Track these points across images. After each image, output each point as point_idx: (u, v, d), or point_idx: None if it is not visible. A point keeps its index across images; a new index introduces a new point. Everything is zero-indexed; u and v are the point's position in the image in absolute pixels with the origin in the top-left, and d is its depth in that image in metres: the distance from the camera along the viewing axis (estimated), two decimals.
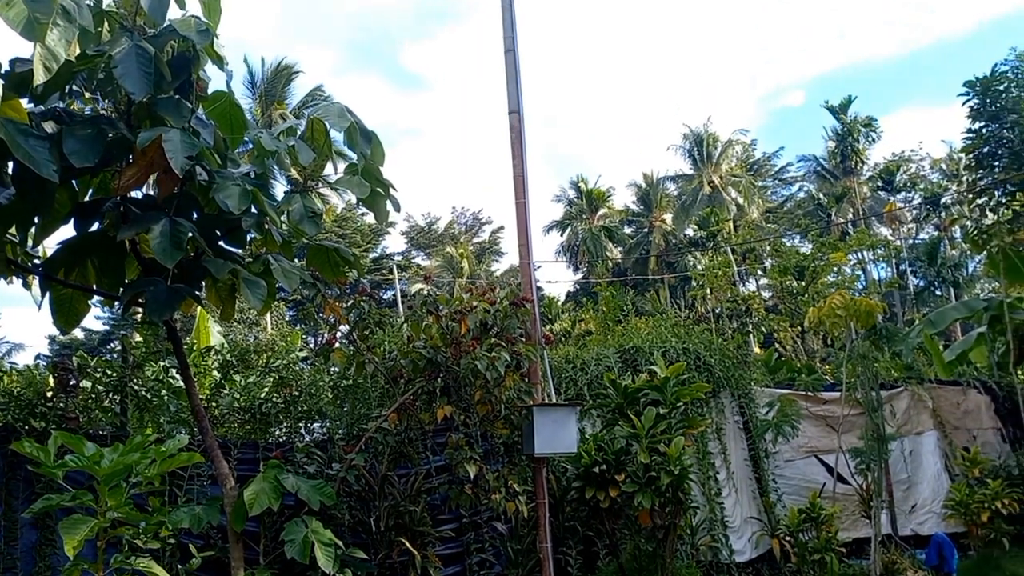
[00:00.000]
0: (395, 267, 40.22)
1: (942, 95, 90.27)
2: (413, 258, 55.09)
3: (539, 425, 7.83)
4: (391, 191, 7.52)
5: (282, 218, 6.97)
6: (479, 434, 8.76)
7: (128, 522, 5.13)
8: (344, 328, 7.96)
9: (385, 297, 44.86)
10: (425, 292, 8.02)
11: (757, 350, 21.25)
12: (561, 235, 53.62)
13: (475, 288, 8.39)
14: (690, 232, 46.51)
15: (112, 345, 39.98)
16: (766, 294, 30.86)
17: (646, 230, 52.37)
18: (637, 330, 12.28)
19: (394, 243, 68.18)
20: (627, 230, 54.62)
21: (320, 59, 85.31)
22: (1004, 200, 15.49)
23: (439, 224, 59.57)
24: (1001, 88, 15.89)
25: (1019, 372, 14.59)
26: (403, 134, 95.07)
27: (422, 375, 7.69)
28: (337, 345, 7.61)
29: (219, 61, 6.70)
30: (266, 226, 6.78)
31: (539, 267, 55.26)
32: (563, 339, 24.76)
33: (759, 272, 31.89)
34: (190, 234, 6.04)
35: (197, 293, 6.66)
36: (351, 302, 7.42)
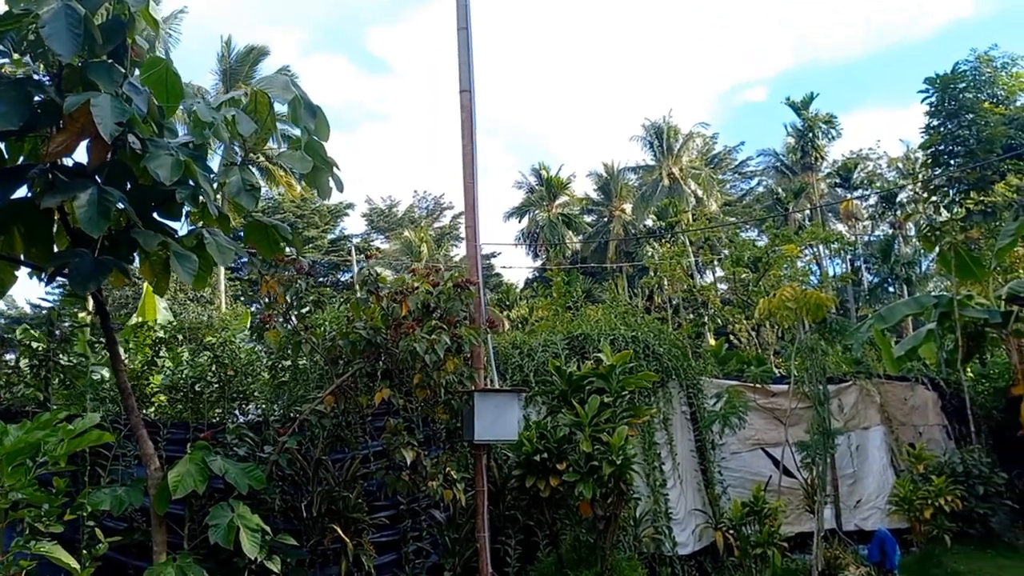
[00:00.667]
0: (353, 249, 39.76)
1: (900, 97, 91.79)
2: (372, 241, 54.56)
3: (480, 411, 7.67)
4: (335, 169, 7.30)
5: (222, 192, 6.74)
6: (420, 419, 8.57)
7: (32, 503, 4.85)
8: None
9: (343, 279, 44.44)
10: (368, 272, 7.77)
11: (712, 342, 21.32)
12: (520, 221, 53.52)
13: (419, 268, 8.17)
14: (649, 223, 46.67)
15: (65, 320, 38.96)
16: (723, 286, 31.02)
17: (606, 219, 52.45)
18: (587, 317, 12.15)
19: (355, 225, 67.58)
20: (587, 219, 54.64)
21: (287, 39, 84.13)
22: (958, 198, 15.65)
23: (399, 207, 59.16)
24: (961, 87, 16.02)
25: (966, 369, 14.77)
26: (368, 116, 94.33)
27: (361, 356, 7.47)
28: (273, 324, 7.33)
29: (154, 25, 6.42)
30: (201, 199, 6.50)
31: (499, 253, 55.21)
32: (520, 325, 24.63)
33: (716, 264, 32.04)
34: (119, 204, 5.79)
35: (127, 266, 6.38)
36: (288, 279, 7.15)
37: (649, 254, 29.07)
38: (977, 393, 14.48)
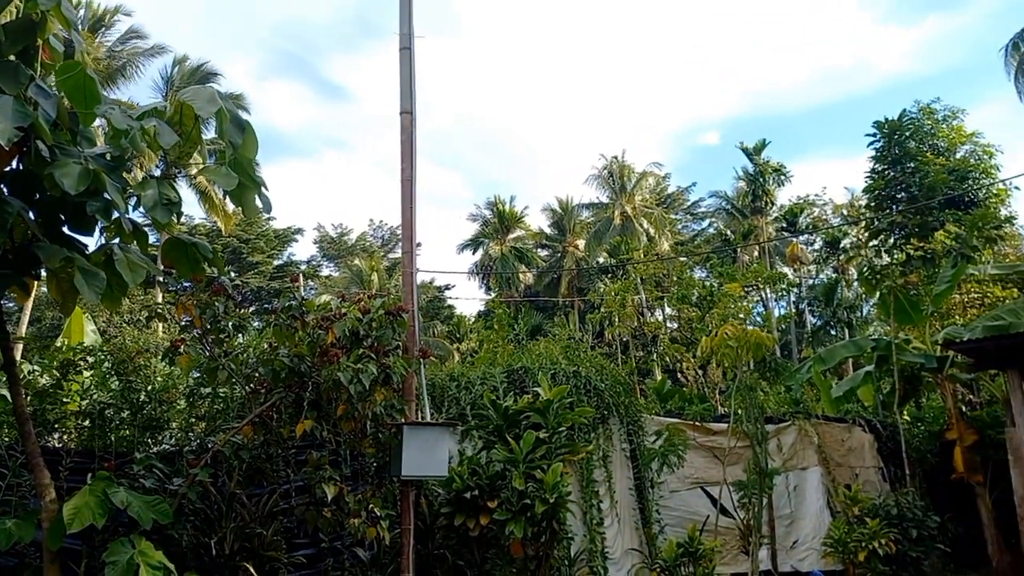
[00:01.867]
0: (301, 275, 39.11)
1: (845, 146, 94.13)
2: (319, 268, 53.89)
3: (408, 445, 7.34)
4: (263, 189, 6.98)
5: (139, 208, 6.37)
6: (347, 453, 8.20)
7: None
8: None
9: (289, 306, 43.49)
10: (293, 297, 7.42)
11: (659, 379, 21.21)
12: (474, 254, 53.33)
13: (348, 294, 7.86)
14: (602, 259, 46.81)
15: None
16: (672, 324, 31.10)
17: (559, 254, 52.52)
18: (530, 351, 11.92)
19: (306, 252, 66.87)
20: (541, 253, 54.68)
21: (243, 63, 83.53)
22: (899, 243, 15.83)
23: (351, 236, 58.63)
24: (906, 135, 16.31)
25: (902, 413, 14.84)
26: (328, 143, 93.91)
27: (283, 385, 7.10)
28: (185, 348, 6.92)
29: (66, 25, 6.08)
30: (116, 213, 6.13)
31: (453, 286, 54.87)
32: (470, 358, 24.32)
33: (664, 302, 32.15)
34: (22, 214, 5.42)
35: (28, 281, 5.98)
36: (206, 301, 6.77)
37: (600, 290, 29.11)
38: (912, 436, 14.55)
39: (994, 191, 20.19)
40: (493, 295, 47.71)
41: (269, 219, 47.40)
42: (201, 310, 6.73)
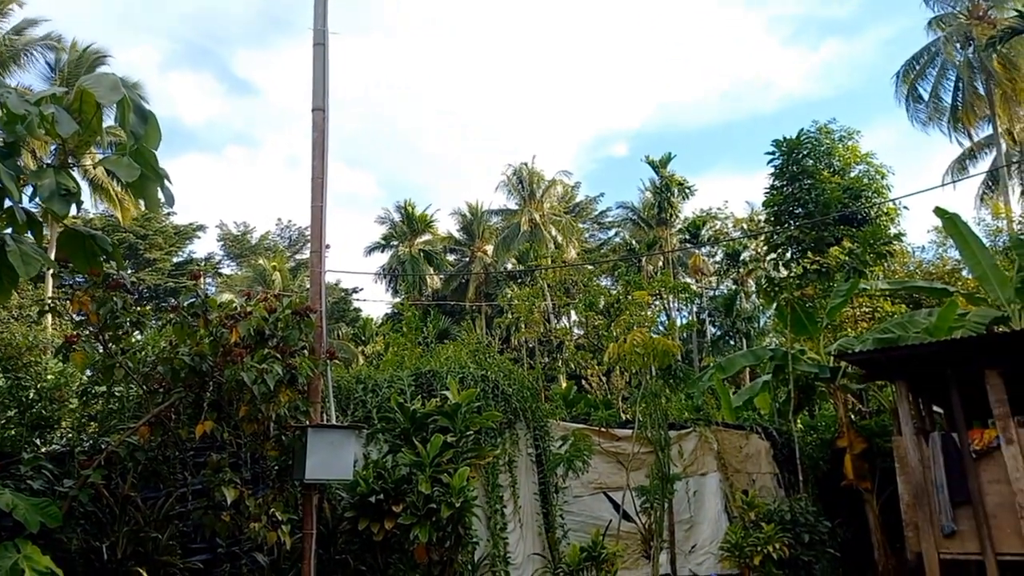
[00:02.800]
0: (202, 273, 37.88)
1: (747, 163, 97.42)
2: (219, 265, 52.41)
3: (313, 448, 7.20)
4: (166, 182, 6.73)
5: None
6: (248, 455, 7.98)
7: None
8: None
9: (191, 303, 42.07)
10: (196, 294, 7.18)
11: (565, 385, 21.43)
12: (382, 254, 52.78)
13: (253, 293, 7.66)
14: (510, 265, 47.04)
15: None
16: (578, 331, 31.49)
17: (468, 259, 52.51)
18: (438, 354, 11.87)
19: (209, 249, 64.94)
20: (450, 257, 54.54)
21: (147, 52, 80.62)
22: (796, 257, 16.44)
23: (254, 234, 57.28)
24: (804, 152, 16.95)
25: (797, 421, 15.41)
26: (236, 139, 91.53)
27: (183, 385, 6.87)
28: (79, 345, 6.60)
29: None
30: (9, 202, 5.81)
31: (361, 288, 54.20)
32: (375, 361, 24.02)
33: (571, 309, 32.55)
34: None
35: None
36: (102, 296, 6.48)
37: (508, 295, 29.23)
38: (806, 444, 15.13)
39: (885, 210, 21.22)
40: (400, 298, 47.36)
41: (169, 214, 45.83)
42: (98, 305, 6.43)
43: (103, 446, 6.92)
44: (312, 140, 8.17)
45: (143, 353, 7.43)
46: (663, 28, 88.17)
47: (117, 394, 7.66)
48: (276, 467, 8.15)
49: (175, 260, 46.09)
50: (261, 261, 46.77)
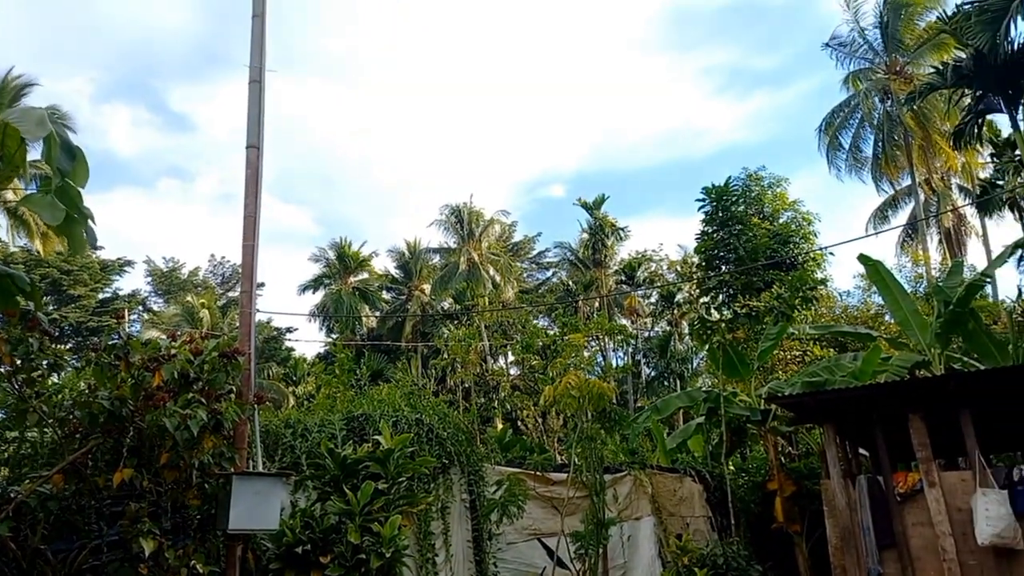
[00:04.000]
0: (125, 310, 36.82)
1: (682, 207, 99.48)
2: (146, 301, 51.01)
3: (238, 497, 6.92)
4: (90, 222, 6.49)
5: None
6: (169, 504, 7.62)
7: None
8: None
9: (112, 344, 40.69)
10: (118, 335, 6.90)
11: (501, 427, 21.26)
12: (315, 293, 52.05)
13: (178, 332, 7.40)
14: (447, 304, 46.86)
15: None
16: (515, 371, 31.40)
17: (404, 298, 52.10)
18: (371, 397, 11.63)
19: (136, 285, 63.30)
20: (386, 295, 54.04)
21: (80, 84, 78.95)
22: (727, 301, 16.71)
23: (183, 270, 56.02)
24: (733, 198, 17.35)
25: (729, 463, 15.53)
26: (169, 172, 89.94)
27: (102, 431, 6.55)
28: None
29: None
30: None
31: (295, 328, 53.23)
32: (306, 403, 23.50)
33: (508, 349, 32.48)
34: None
35: None
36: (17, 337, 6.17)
37: (444, 335, 29.01)
38: (738, 486, 15.24)
39: (812, 255, 21.84)
40: (335, 337, 46.66)
41: (96, 248, 44.52)
42: (12, 346, 6.12)
43: (12, 495, 6.54)
44: (246, 177, 8.01)
45: (60, 396, 7.08)
46: (600, 73, 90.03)
47: (30, 439, 7.28)
48: (198, 517, 7.81)
49: (100, 296, 44.64)
50: (190, 298, 45.61)
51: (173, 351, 6.77)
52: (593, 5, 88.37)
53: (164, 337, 7.99)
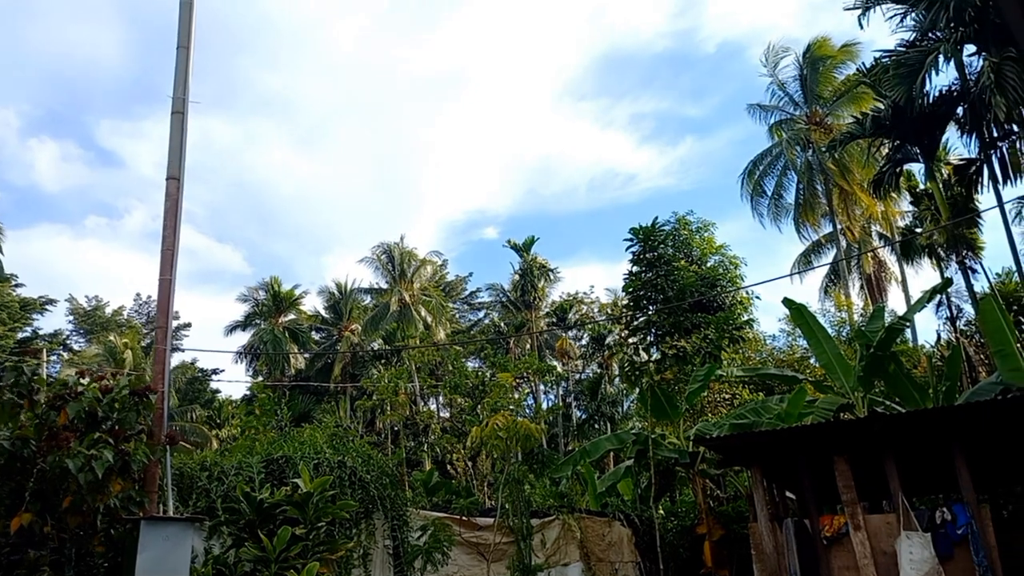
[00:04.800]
0: (43, 351, 35.36)
1: (612, 250, 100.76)
2: (67, 340, 49.12)
3: (145, 543, 6.57)
4: None
5: None
6: (73, 552, 7.20)
7: None
8: None
9: (15, 381, 38.87)
10: (22, 371, 6.53)
11: (428, 470, 20.86)
12: (244, 332, 50.84)
13: (93, 371, 7.07)
14: (377, 345, 46.25)
15: None
16: (445, 414, 31.05)
17: (334, 338, 51.24)
18: (293, 439, 11.29)
19: (55, 324, 61.12)
20: (315, 336, 53.08)
21: (5, 116, 76.62)
22: (654, 342, 16.84)
23: (107, 309, 54.25)
24: (660, 238, 17.58)
25: (658, 507, 15.50)
26: (97, 210, 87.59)
27: (0, 473, 6.16)
28: None
29: None
30: None
31: (222, 371, 51.89)
32: (230, 444, 22.76)
33: (438, 391, 32.15)
34: None
35: None
36: None
37: (374, 376, 28.58)
38: (667, 530, 15.19)
39: (739, 299, 22.25)
40: (260, 379, 45.57)
41: (16, 286, 42.80)
42: None
43: None
44: (164, 209, 7.76)
45: None
46: (533, 116, 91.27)
47: None
48: (105, 564, 7.40)
49: (20, 336, 42.80)
50: (112, 337, 44.08)
51: (80, 388, 6.44)
52: (529, 49, 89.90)
53: (74, 376, 7.61)
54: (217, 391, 48.98)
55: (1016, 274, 20.88)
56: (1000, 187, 19.29)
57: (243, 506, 8.00)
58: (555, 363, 42.95)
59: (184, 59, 7.95)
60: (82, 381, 6.66)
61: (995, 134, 19.04)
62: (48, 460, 5.98)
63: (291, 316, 51.47)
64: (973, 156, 20.39)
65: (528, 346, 45.87)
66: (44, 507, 6.35)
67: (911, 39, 19.62)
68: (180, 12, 7.74)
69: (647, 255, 17.83)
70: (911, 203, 25.94)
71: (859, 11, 20.42)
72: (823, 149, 32.01)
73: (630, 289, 18.24)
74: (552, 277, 48.47)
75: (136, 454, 6.55)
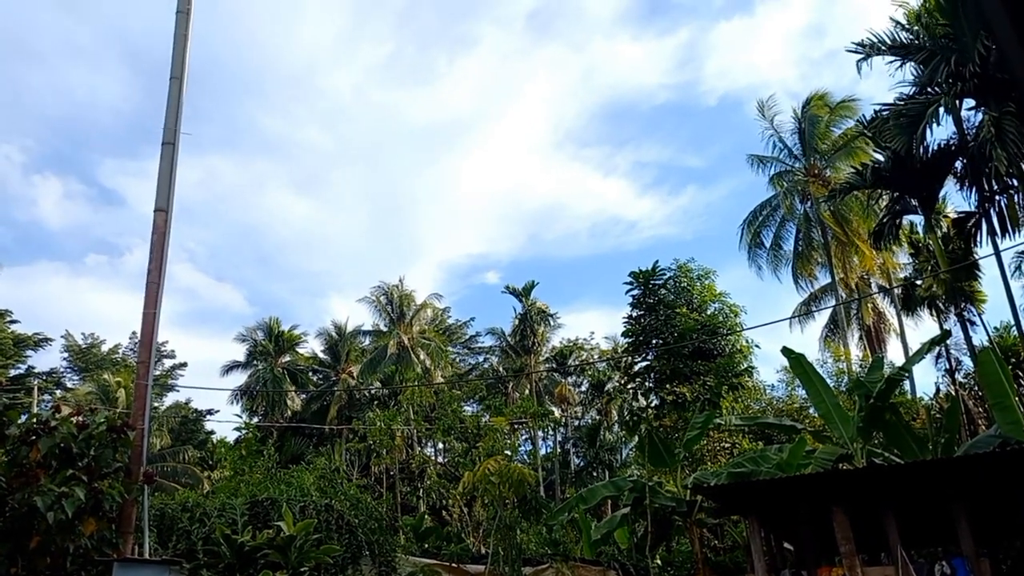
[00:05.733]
0: (35, 388, 35.13)
1: (613, 297, 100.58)
2: (62, 378, 48.82)
3: None
4: None
5: None
6: None
7: None
8: None
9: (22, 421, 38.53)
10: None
11: (419, 514, 20.46)
12: (243, 371, 50.50)
13: (64, 405, 6.88)
14: (375, 388, 45.90)
15: None
16: (441, 459, 30.67)
17: (332, 381, 50.87)
18: (279, 480, 11.03)
19: (51, 361, 60.91)
20: (313, 377, 52.74)
21: (9, 152, 77.25)
22: (653, 387, 16.64)
23: (103, 347, 54.02)
24: (659, 282, 17.51)
25: (655, 556, 15.15)
26: (98, 247, 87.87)
27: None
28: None
29: None
30: None
31: (217, 411, 51.50)
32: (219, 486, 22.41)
33: (434, 435, 31.79)
34: None
35: None
36: None
37: (371, 419, 28.26)
38: None
39: (739, 347, 22.08)
40: (256, 420, 45.16)
41: (12, 322, 42.71)
42: None
43: None
44: (151, 243, 7.64)
45: None
46: (533, 161, 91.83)
47: None
48: None
49: (13, 372, 42.54)
50: (106, 376, 43.80)
51: (54, 423, 6.25)
52: (534, 96, 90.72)
53: (49, 411, 7.42)
54: (212, 432, 48.51)
55: (1015, 327, 20.73)
56: (999, 240, 19.28)
57: (223, 549, 7.76)
58: (554, 409, 42.59)
59: (176, 89, 7.89)
60: (56, 416, 6.46)
61: (994, 187, 19.06)
62: (16, 498, 5.77)
63: (287, 358, 51.25)
64: (972, 209, 20.39)
65: (527, 391, 45.51)
66: (14, 547, 6.12)
67: (910, 93, 19.74)
68: (174, 44, 7.70)
69: (647, 299, 17.74)
70: (911, 255, 25.90)
71: (861, 56, 20.56)
72: (821, 201, 32.08)
73: (630, 333, 18.10)
74: (552, 322, 48.31)
75: (111, 492, 6.34)
